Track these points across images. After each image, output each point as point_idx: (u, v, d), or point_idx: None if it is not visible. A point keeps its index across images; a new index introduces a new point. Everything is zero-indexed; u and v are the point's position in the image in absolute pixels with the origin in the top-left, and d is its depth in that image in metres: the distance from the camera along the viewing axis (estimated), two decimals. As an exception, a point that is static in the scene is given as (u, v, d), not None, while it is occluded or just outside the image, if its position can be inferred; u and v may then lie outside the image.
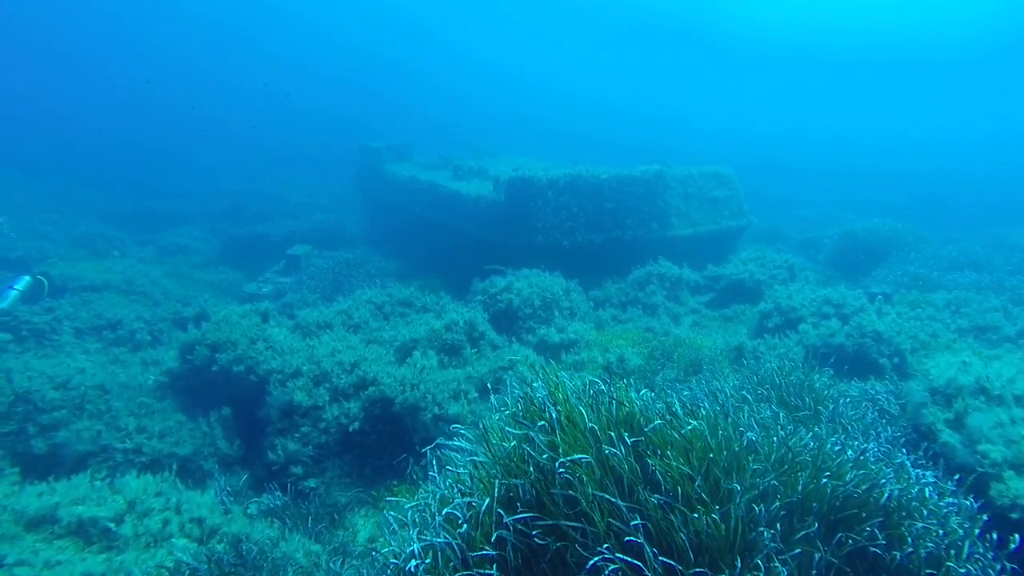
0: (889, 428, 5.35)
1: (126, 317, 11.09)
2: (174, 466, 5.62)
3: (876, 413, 5.59)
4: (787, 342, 9.82)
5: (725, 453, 3.31)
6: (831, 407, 5.47)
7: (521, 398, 3.47)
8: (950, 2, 67.34)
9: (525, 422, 3.40)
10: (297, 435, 6.52)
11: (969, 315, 10.23)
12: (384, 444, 6.99)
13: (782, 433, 3.80)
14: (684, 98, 78.59)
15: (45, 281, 12.16)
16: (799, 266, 14.54)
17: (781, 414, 4.87)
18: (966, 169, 38.95)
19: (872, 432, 5.26)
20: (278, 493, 6.00)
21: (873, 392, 6.30)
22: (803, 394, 5.73)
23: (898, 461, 3.73)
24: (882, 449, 4.56)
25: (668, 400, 3.64)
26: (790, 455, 3.53)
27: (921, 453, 4.81)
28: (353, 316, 10.21)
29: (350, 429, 6.63)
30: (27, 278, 11.86)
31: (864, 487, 3.37)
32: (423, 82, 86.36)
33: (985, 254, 15.14)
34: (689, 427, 3.32)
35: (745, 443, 3.48)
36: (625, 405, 3.50)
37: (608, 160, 18.74)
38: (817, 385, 5.93)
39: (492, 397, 4.31)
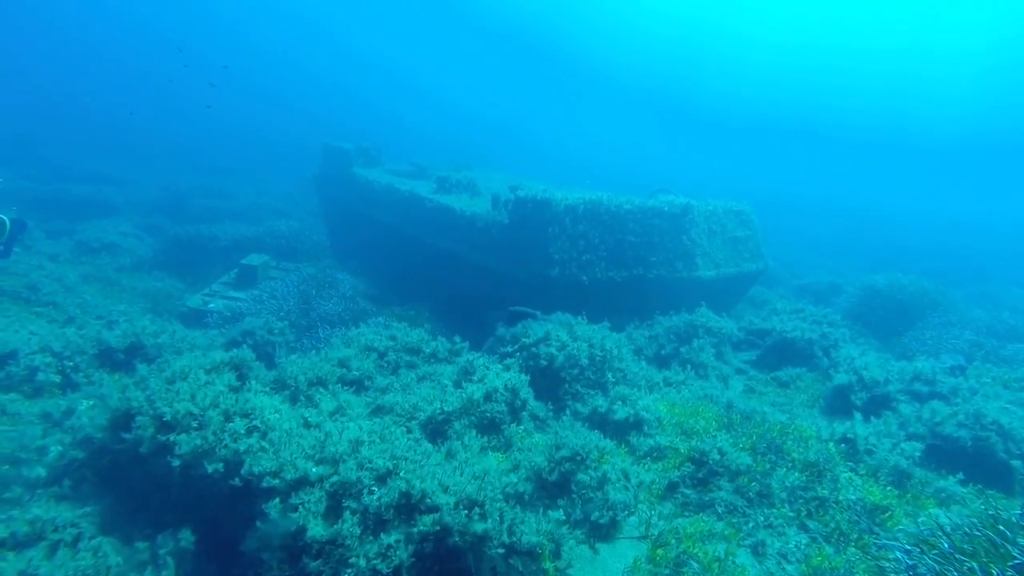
0: None
1: (23, 345, 7.99)
2: None
3: None
4: (890, 428, 8.11)
5: None
6: None
7: None
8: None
9: None
10: (308, 594, 4.04)
11: (1081, 405, 8.87)
12: (433, 596, 4.59)
13: None
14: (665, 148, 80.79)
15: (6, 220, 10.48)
16: (836, 323, 13.08)
17: None
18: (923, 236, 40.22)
19: None
20: None
21: None
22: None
23: None
24: None
25: None
26: None
27: None
28: (352, 368, 7.68)
29: (391, 580, 4.20)
30: None
31: None
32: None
33: (1020, 323, 14.24)
34: None
35: None
36: None
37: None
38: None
39: None
